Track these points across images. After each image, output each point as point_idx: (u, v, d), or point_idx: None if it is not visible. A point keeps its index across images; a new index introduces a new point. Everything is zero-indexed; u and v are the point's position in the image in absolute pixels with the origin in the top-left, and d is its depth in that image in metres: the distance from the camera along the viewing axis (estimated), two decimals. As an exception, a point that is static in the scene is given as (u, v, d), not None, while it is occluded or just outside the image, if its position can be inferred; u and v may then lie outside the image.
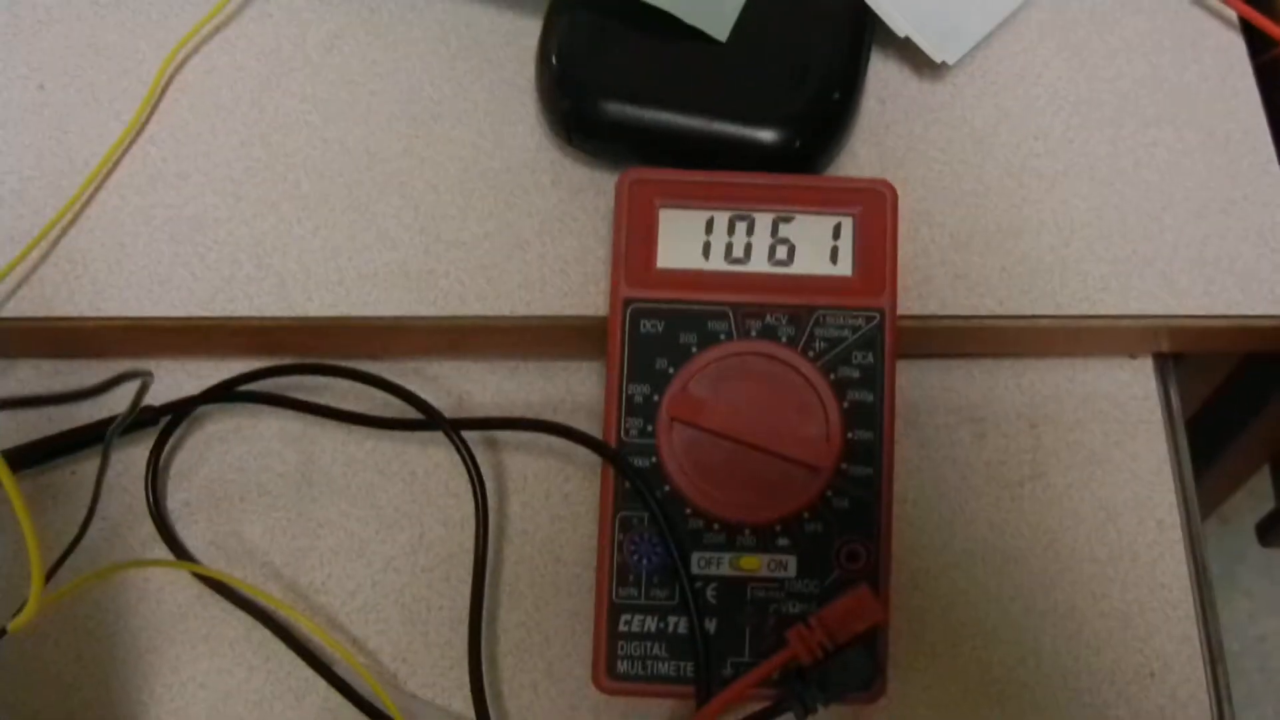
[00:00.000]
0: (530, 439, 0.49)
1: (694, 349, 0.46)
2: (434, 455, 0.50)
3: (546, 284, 0.49)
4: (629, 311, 0.46)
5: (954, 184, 0.50)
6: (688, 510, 0.45)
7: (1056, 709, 0.47)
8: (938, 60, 0.52)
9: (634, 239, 0.46)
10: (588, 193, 0.51)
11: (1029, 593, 0.48)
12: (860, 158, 0.51)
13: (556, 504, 0.49)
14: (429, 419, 0.47)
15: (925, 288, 0.48)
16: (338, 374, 0.48)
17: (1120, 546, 0.49)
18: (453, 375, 0.51)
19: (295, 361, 0.49)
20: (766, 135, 0.49)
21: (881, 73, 0.53)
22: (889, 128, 0.52)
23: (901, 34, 0.52)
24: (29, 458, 0.48)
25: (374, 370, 0.49)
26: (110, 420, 0.47)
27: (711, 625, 0.44)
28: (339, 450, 0.50)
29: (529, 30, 0.54)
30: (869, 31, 0.52)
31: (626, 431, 0.45)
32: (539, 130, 0.52)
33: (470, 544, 0.48)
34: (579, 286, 0.49)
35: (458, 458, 0.48)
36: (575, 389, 0.51)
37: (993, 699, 0.47)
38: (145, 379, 0.41)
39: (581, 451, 0.48)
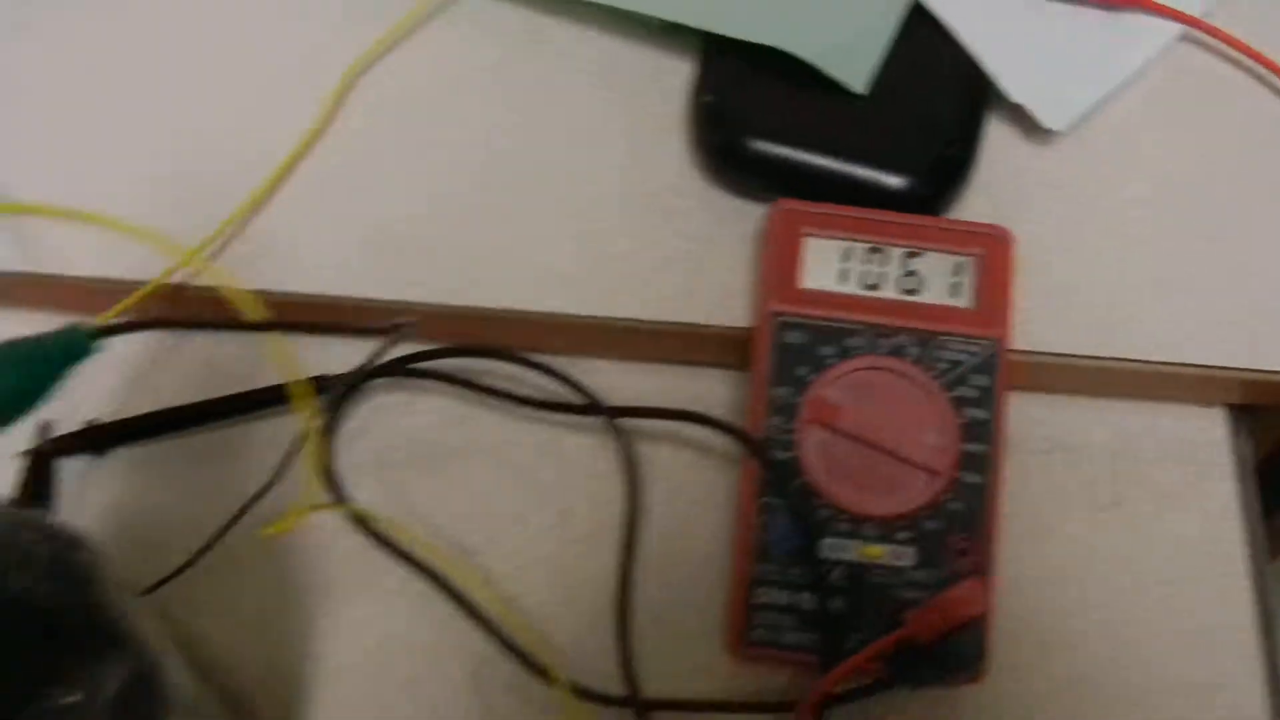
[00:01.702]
0: (671, 432, 0.57)
1: (831, 360, 0.54)
2: (581, 440, 0.58)
3: (692, 296, 0.58)
4: (776, 323, 0.54)
5: (1055, 237, 0.59)
6: (820, 501, 0.53)
7: (1125, 714, 0.55)
8: (1046, 126, 0.61)
9: (782, 260, 0.55)
10: (728, 219, 0.60)
11: (1107, 606, 0.56)
12: (973, 206, 0.60)
13: (692, 491, 0.57)
14: (591, 405, 0.55)
15: (1025, 327, 0.57)
16: (511, 360, 0.56)
17: (1190, 574, 0.57)
18: (593, 372, 0.59)
19: (472, 345, 0.57)
20: (896, 181, 0.58)
21: (996, 131, 0.62)
22: (1000, 182, 0.61)
23: (1015, 100, 0.61)
24: (234, 408, 0.56)
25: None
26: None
27: (836, 604, 0.52)
28: (495, 431, 0.58)
29: (676, 70, 0.63)
30: (988, 94, 0.61)
31: (769, 428, 0.54)
32: (684, 159, 0.61)
33: (613, 521, 0.56)
34: (721, 300, 0.58)
35: (605, 443, 0.56)
36: (701, 393, 0.59)
37: (1070, 698, 0.55)
38: (408, 326, 0.49)
39: (717, 445, 0.57)
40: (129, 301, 0.58)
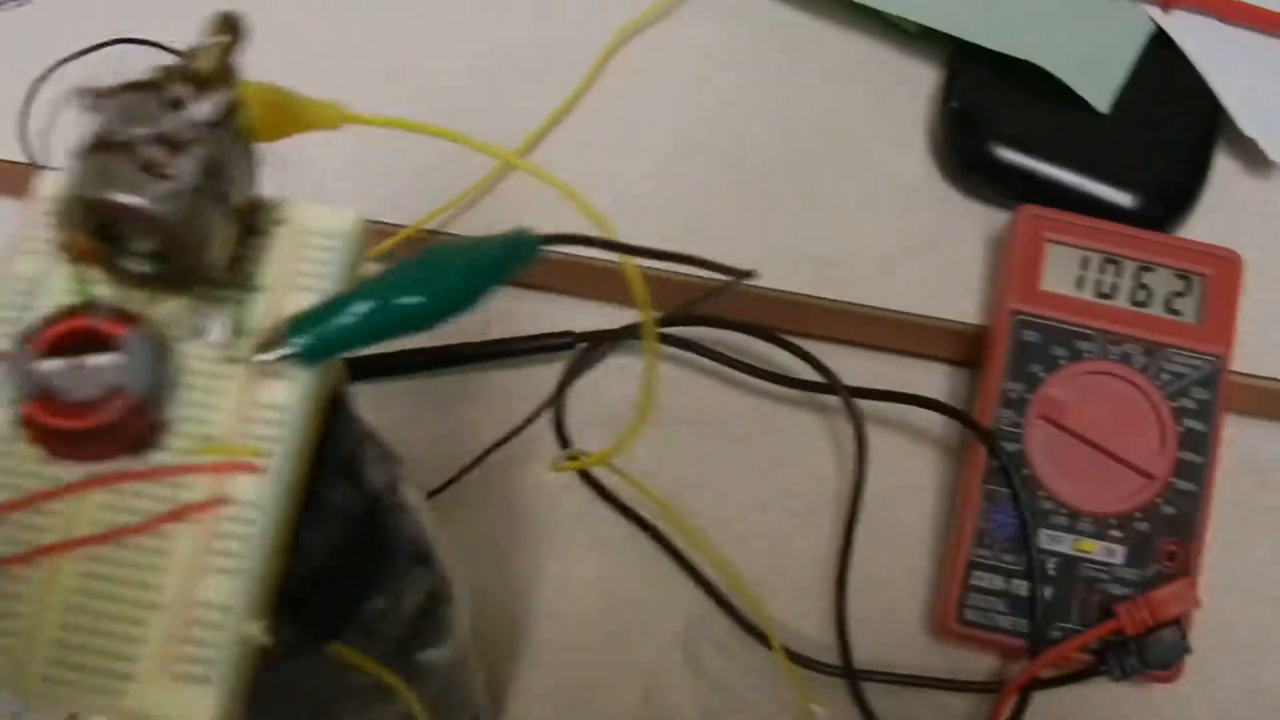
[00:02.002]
0: (890, 416, 0.60)
1: (1063, 361, 0.57)
2: (801, 418, 0.61)
3: (924, 290, 0.61)
4: (1014, 321, 0.58)
5: (1271, 267, 0.62)
6: (1041, 493, 0.56)
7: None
8: (1274, 160, 0.64)
9: (1024, 262, 0.58)
10: (963, 220, 0.63)
11: (1297, 625, 0.59)
12: (1195, 230, 0.63)
13: (905, 474, 0.60)
14: (831, 384, 0.58)
15: (1235, 351, 0.59)
16: (762, 337, 0.59)
17: (1380, 602, 0.60)
18: (816, 353, 0.62)
19: (715, 316, 0.60)
20: (1127, 199, 0.61)
21: (1223, 160, 0.65)
22: (1223, 208, 0.64)
23: (1246, 132, 0.64)
24: (472, 354, 0.60)
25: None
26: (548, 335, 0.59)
27: (1048, 593, 0.56)
28: (721, 401, 0.61)
29: (920, 76, 0.66)
30: (1220, 124, 0.64)
31: (999, 420, 0.57)
32: (926, 160, 0.64)
33: (829, 498, 0.59)
34: (951, 296, 0.61)
35: (825, 422, 0.59)
36: (914, 381, 0.61)
37: (1252, 709, 0.57)
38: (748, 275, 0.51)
39: (935, 432, 0.60)
40: (464, 194, 0.62)
